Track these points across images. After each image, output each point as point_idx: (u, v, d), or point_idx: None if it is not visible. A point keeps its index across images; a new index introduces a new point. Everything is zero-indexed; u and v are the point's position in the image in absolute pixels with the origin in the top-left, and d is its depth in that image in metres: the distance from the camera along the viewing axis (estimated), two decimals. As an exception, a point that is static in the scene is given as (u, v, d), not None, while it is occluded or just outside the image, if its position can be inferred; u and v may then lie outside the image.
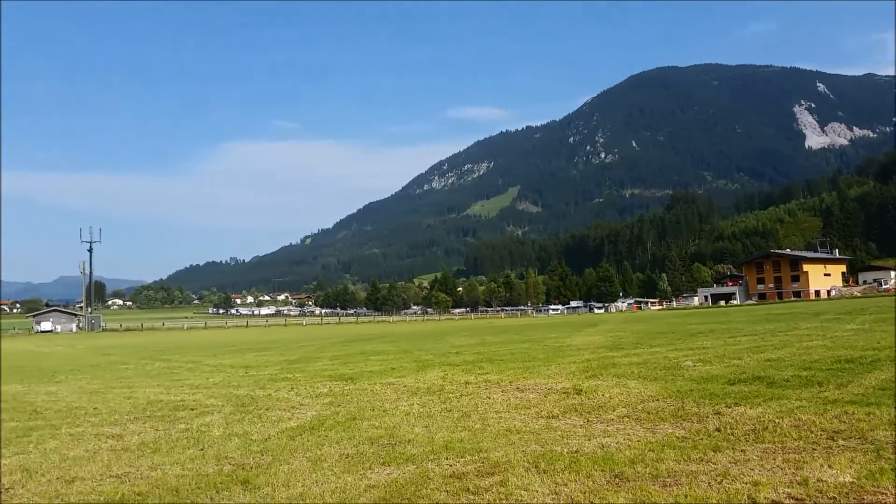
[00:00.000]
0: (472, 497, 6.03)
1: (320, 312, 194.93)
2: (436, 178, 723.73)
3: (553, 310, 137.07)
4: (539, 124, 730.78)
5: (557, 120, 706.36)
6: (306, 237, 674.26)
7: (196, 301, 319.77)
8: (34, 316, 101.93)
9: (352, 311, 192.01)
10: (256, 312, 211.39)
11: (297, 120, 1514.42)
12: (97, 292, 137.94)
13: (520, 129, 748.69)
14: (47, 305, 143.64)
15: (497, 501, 5.91)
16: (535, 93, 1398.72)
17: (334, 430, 9.33)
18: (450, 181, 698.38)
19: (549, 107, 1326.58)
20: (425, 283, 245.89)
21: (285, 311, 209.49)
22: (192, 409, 11.74)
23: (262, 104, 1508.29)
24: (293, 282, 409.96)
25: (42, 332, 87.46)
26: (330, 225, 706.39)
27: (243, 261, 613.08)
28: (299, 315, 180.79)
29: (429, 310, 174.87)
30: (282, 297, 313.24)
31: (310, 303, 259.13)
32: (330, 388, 14.11)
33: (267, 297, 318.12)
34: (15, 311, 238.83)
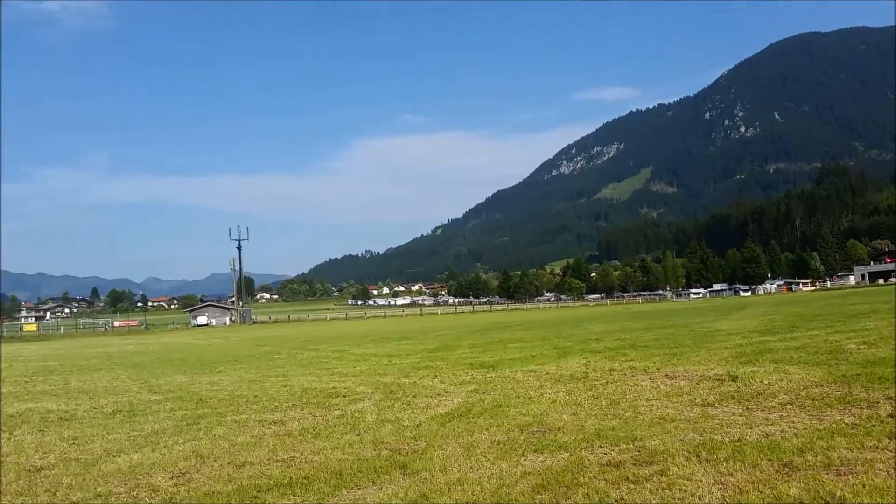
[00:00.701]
0: (632, 486, 5.90)
1: (454, 302, 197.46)
2: (564, 162, 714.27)
3: (695, 293, 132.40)
4: (672, 101, 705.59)
5: (692, 95, 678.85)
6: (437, 228, 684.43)
7: (336, 293, 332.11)
8: (191, 311, 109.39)
9: (484, 300, 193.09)
10: (392, 303, 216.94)
11: (425, 114, 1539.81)
12: (247, 287, 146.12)
13: (651, 107, 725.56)
14: (202, 301, 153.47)
15: (659, 490, 5.75)
16: (667, 69, 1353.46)
17: (482, 417, 9.41)
18: (579, 165, 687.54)
19: (682, 82, 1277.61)
20: (557, 270, 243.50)
21: (420, 301, 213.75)
22: (345, 396, 12.19)
23: (392, 100, 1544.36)
24: (426, 272, 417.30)
25: (198, 325, 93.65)
26: (460, 215, 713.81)
27: (378, 253, 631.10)
28: (433, 305, 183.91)
29: (562, 296, 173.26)
30: (416, 288, 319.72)
31: (443, 292, 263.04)
32: (472, 376, 14.24)
33: (402, 288, 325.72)
34: (173, 307, 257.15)
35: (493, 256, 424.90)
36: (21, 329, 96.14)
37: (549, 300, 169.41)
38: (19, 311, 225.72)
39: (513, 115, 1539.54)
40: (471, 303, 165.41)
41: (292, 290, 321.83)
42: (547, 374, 13.75)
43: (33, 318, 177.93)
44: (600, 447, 7.21)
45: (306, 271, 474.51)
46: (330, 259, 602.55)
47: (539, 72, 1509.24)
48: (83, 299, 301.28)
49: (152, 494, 6.43)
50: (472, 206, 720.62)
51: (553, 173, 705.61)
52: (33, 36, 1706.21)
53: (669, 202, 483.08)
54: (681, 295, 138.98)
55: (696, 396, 9.78)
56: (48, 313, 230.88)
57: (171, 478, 7.03)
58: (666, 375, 12.07)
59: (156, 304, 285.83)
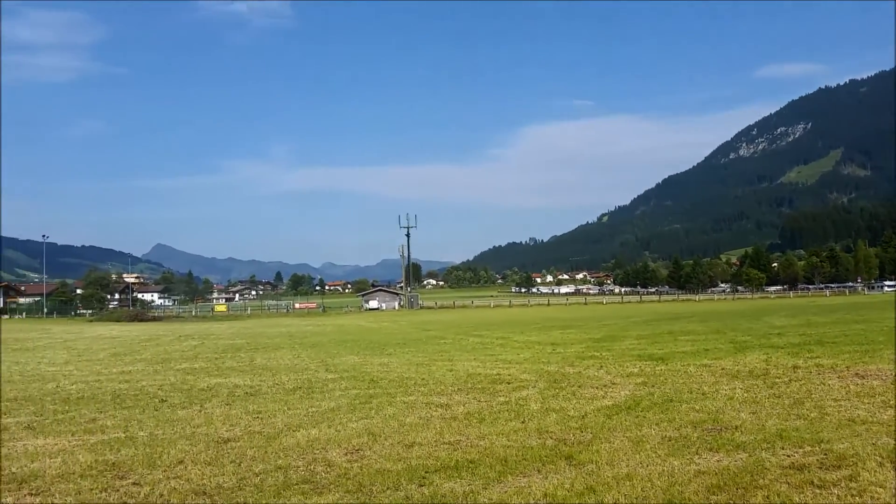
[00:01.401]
0: (817, 490, 5.46)
1: (620, 291, 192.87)
2: (743, 145, 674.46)
3: (889, 286, 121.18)
4: (866, 76, 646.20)
5: (889, 69, 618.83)
6: (603, 215, 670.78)
7: (500, 280, 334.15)
8: (363, 295, 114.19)
9: (653, 290, 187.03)
10: (556, 291, 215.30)
11: (592, 97, 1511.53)
12: (414, 273, 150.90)
13: (842, 83, 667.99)
14: (373, 286, 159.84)
15: (848, 497, 5.28)
16: (861, 40, 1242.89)
17: (651, 411, 9.09)
18: (760, 147, 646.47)
19: (877, 54, 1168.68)
20: (734, 259, 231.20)
21: (584, 290, 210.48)
22: (509, 383, 12.21)
23: (559, 86, 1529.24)
24: (591, 260, 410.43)
25: (370, 309, 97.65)
26: (627, 201, 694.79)
27: (542, 241, 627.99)
28: (598, 294, 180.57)
29: (739, 288, 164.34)
30: (580, 276, 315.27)
31: (608, 281, 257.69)
32: (640, 368, 13.82)
33: (566, 276, 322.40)
34: (347, 290, 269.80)
35: (662, 244, 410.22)
36: (213, 309, 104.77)
37: (723, 291, 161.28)
38: (211, 292, 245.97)
39: (685, 96, 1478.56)
40: (638, 292, 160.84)
41: (457, 276, 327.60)
42: (722, 369, 13.09)
43: (224, 300, 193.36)
44: (782, 448, 6.74)
45: (471, 258, 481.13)
46: (494, 246, 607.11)
47: (715, 48, 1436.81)
48: (268, 282, 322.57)
49: (328, 469, 6.73)
50: (641, 191, 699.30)
51: (731, 156, 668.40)
52: (224, 37, 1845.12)
53: (862, 186, 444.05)
54: (873, 287, 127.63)
55: (891, 398, 8.92)
56: (237, 295, 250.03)
57: (346, 454, 7.33)
58: (856, 374, 11.13)
59: (332, 287, 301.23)
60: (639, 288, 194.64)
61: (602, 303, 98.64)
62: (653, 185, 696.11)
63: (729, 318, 35.39)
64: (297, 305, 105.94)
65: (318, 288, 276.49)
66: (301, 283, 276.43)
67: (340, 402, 10.81)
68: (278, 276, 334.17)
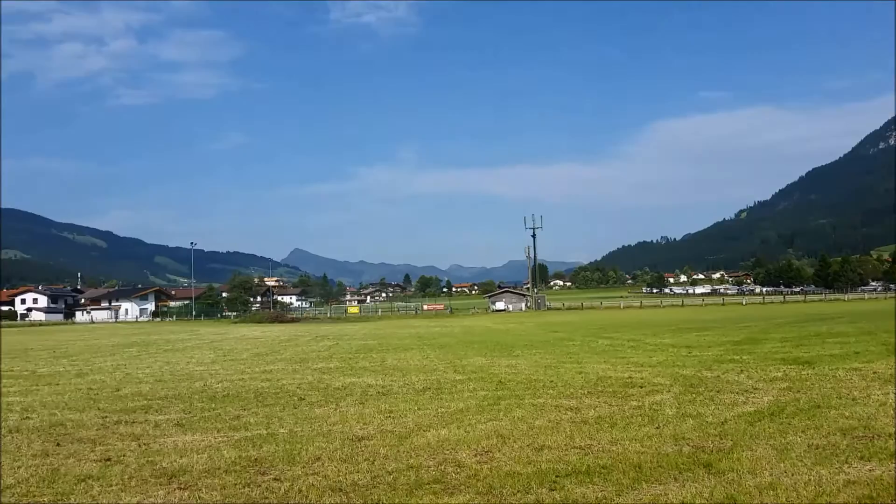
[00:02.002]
0: None
1: (760, 291, 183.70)
2: (893, 133, 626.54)
3: None
4: None
5: None
6: (741, 211, 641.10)
7: (629, 281, 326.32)
8: (490, 297, 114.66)
9: (797, 289, 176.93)
10: (691, 291, 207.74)
11: (725, 89, 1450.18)
12: (541, 274, 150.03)
13: None
14: (499, 287, 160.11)
15: None
16: None
17: (797, 417, 8.58)
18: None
19: None
20: (885, 256, 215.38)
21: (721, 290, 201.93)
22: (642, 387, 11.87)
23: (688, 77, 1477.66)
24: (728, 259, 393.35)
25: (496, 310, 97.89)
26: (768, 196, 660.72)
27: (674, 239, 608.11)
28: (737, 294, 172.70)
29: (891, 286, 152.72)
30: (717, 276, 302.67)
31: (748, 281, 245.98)
32: (784, 372, 13.11)
33: (701, 276, 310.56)
34: (473, 292, 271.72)
35: (807, 241, 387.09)
36: (346, 311, 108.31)
37: (874, 290, 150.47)
38: (344, 295, 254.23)
39: (828, 83, 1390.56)
40: (780, 292, 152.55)
41: (585, 277, 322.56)
42: (874, 372, 12.22)
43: (356, 302, 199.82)
44: (947, 461, 6.17)
45: (599, 258, 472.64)
46: (623, 246, 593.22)
47: (859, 29, 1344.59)
48: (397, 284, 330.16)
49: (458, 470, 6.77)
50: (783, 186, 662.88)
51: (880, 146, 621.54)
52: (355, 48, 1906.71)
53: None
54: None
55: None
56: (368, 297, 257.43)
57: (475, 455, 7.34)
58: None
59: (458, 289, 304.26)
60: (781, 287, 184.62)
61: (741, 303, 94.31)
62: (795, 179, 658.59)
63: (880, 318, 32.96)
64: (425, 307, 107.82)
65: (445, 290, 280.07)
66: (429, 285, 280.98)
67: (469, 403, 10.86)
68: (407, 279, 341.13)
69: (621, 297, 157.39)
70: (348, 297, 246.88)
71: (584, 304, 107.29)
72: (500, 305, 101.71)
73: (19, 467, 7.21)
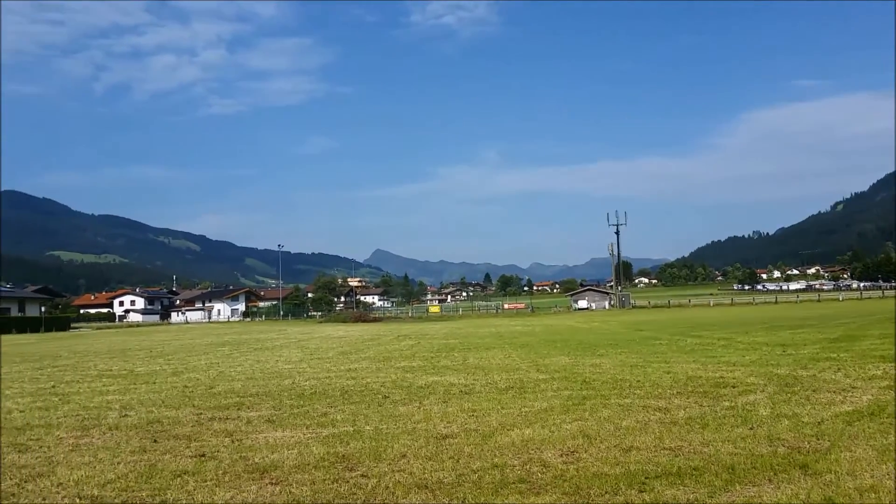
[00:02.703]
0: None
1: (858, 286, 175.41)
2: None
3: None
4: None
5: None
6: (837, 203, 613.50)
7: (719, 277, 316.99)
8: (572, 295, 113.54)
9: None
10: (784, 287, 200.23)
11: (821, 76, 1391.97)
12: (625, 271, 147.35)
13: None
14: (582, 285, 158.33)
15: None
16: None
17: (902, 418, 8.14)
18: None
19: None
20: None
21: (817, 286, 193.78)
22: (734, 387, 11.49)
23: (782, 64, 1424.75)
24: (824, 253, 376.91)
25: (579, 309, 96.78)
26: (865, 187, 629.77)
27: (767, 234, 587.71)
28: (833, 289, 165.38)
29: None
30: (812, 271, 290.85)
31: (845, 276, 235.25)
32: (884, 370, 12.51)
33: (795, 271, 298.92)
34: (555, 290, 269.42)
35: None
36: (427, 310, 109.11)
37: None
38: (425, 294, 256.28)
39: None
40: (880, 287, 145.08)
41: (672, 274, 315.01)
42: None
43: (437, 301, 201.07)
44: None
45: (686, 255, 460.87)
46: (712, 241, 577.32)
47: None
48: (477, 283, 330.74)
49: (543, 469, 6.70)
50: (881, 176, 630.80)
51: None
52: (435, 49, 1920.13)
53: None
54: None
55: None
56: (449, 296, 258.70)
57: (561, 455, 7.26)
58: None
59: (539, 288, 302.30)
60: (880, 282, 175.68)
61: (838, 299, 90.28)
62: (894, 169, 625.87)
63: None
64: (505, 306, 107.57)
65: (525, 288, 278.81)
66: (509, 284, 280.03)
67: (553, 402, 10.75)
68: (487, 278, 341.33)
69: (710, 294, 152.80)
70: (429, 296, 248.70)
71: (670, 301, 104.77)
72: (582, 304, 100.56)
73: (119, 463, 7.53)
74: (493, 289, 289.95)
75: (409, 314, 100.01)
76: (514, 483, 6.28)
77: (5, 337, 58.87)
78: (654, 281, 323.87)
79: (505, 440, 8.04)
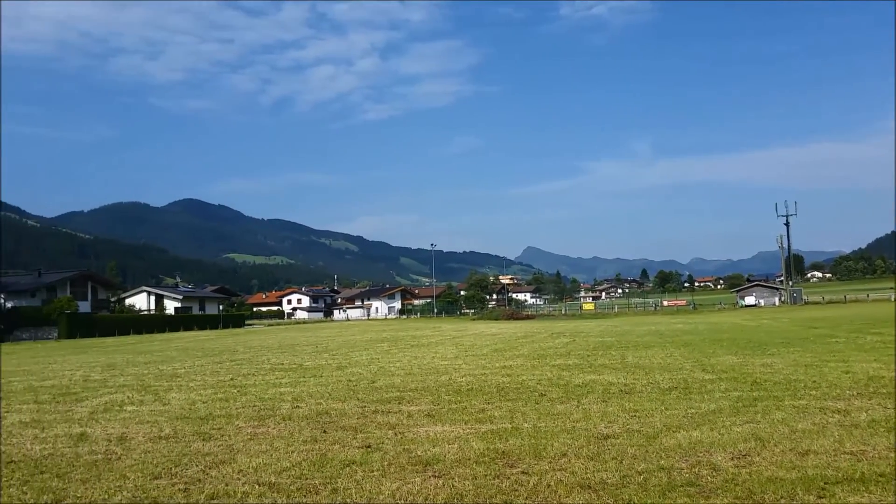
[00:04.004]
0: None
1: None
2: None
3: None
4: None
5: None
6: None
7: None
8: (737, 291, 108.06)
9: None
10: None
11: None
12: (796, 265, 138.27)
13: None
14: (748, 280, 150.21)
15: None
16: None
17: None
18: None
19: None
20: None
21: None
22: (925, 389, 10.50)
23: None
24: None
25: (745, 305, 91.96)
26: None
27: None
28: None
29: None
30: None
31: None
32: None
33: None
34: (718, 286, 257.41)
35: None
36: (580, 307, 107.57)
37: None
38: (578, 291, 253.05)
39: None
40: None
41: (847, 267, 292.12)
42: None
43: (590, 298, 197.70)
44: None
45: (863, 246, 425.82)
46: (893, 231, 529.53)
47: None
48: (633, 280, 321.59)
49: (713, 473, 6.42)
50: None
51: None
52: (585, 41, 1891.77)
53: None
54: None
55: None
56: (603, 293, 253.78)
57: (732, 458, 6.93)
58: None
59: (701, 284, 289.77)
60: None
61: None
62: None
63: None
64: (664, 303, 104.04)
65: (686, 284, 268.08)
66: (668, 280, 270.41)
67: (721, 403, 10.27)
68: (644, 274, 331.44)
69: (892, 288, 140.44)
70: (582, 293, 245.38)
71: (846, 297, 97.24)
72: (749, 300, 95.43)
73: (293, 452, 7.95)
74: (651, 285, 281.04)
75: (563, 311, 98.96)
76: (682, 486, 6.06)
77: (189, 333, 63.99)
78: (827, 275, 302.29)
79: (670, 442, 7.77)
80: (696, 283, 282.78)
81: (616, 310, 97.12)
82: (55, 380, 18.42)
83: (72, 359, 28.63)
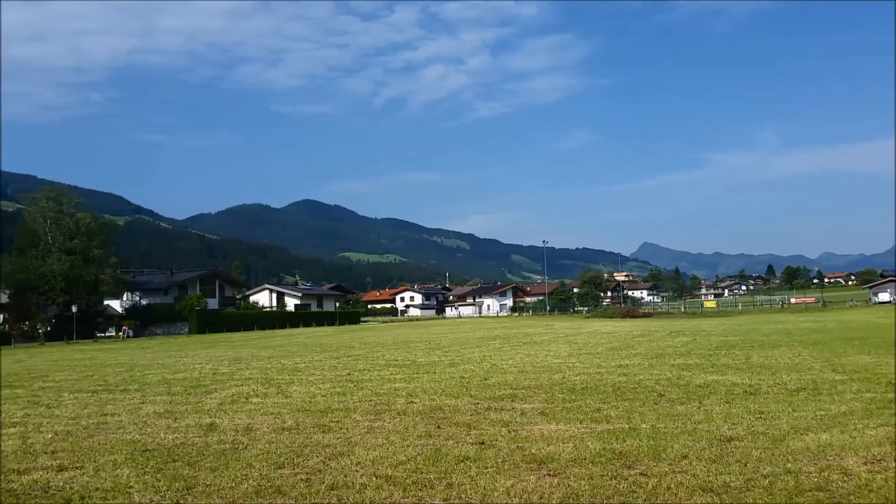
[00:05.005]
0: None
1: None
2: None
3: None
4: None
5: None
6: None
7: None
8: (870, 287, 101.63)
9: None
10: None
11: None
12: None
13: None
14: (882, 276, 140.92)
15: None
16: None
17: None
18: None
19: None
20: None
21: None
22: None
23: None
24: None
25: (880, 302, 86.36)
26: None
27: None
28: None
29: None
30: None
31: None
32: None
33: None
34: (850, 283, 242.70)
35: None
36: (701, 305, 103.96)
37: None
38: (699, 288, 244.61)
39: None
40: None
41: None
42: None
43: (712, 296, 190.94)
44: None
45: None
46: None
47: None
48: (758, 276, 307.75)
49: (844, 478, 6.07)
50: None
51: None
52: (705, 28, 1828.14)
53: None
54: None
55: None
56: (725, 290, 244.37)
57: (864, 463, 6.56)
58: None
59: (832, 280, 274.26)
60: None
61: None
62: None
63: None
64: (792, 300, 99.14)
65: (815, 281, 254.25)
66: (796, 276, 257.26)
67: (853, 405, 9.69)
68: (770, 270, 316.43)
69: None
70: (703, 290, 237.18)
71: None
72: (883, 297, 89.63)
73: (408, 446, 8.08)
74: (777, 282, 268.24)
75: (682, 309, 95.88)
76: (810, 491, 5.77)
77: (308, 329, 66.30)
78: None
79: (798, 445, 7.40)
80: (826, 280, 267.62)
81: (739, 307, 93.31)
82: (186, 373, 19.52)
83: (201, 353, 30.24)
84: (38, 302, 62.93)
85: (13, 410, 12.39)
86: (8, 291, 65.66)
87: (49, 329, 62.20)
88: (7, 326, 62.33)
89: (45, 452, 8.36)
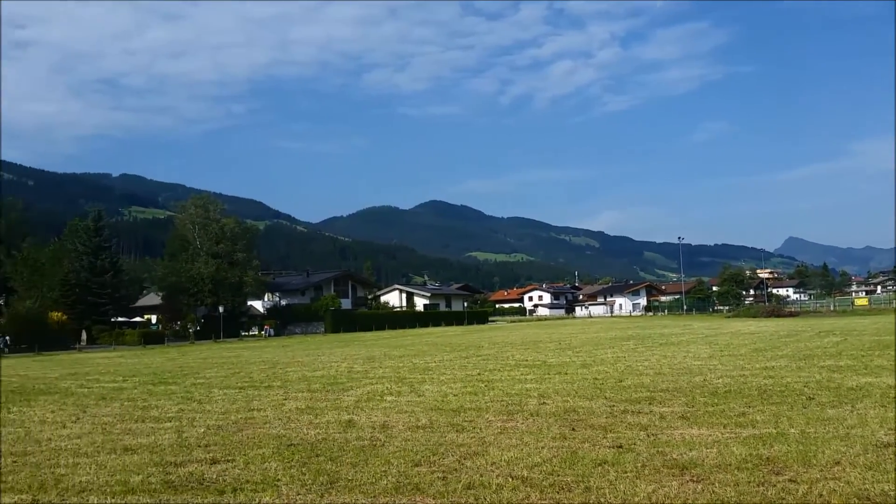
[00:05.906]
0: None
1: None
2: None
3: None
4: None
5: None
6: None
7: None
8: None
9: None
10: None
11: None
12: None
13: None
14: None
15: None
16: None
17: None
18: None
19: None
20: None
21: None
22: None
23: None
24: None
25: None
26: None
27: None
28: None
29: None
30: None
31: None
32: None
33: None
34: None
35: None
36: (852, 303, 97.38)
37: None
38: (849, 285, 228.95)
39: None
40: None
41: None
42: None
43: (863, 293, 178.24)
44: None
45: None
46: None
47: None
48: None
49: None
50: None
51: None
52: (852, 7, 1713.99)
53: None
54: None
55: None
56: (878, 287, 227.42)
57: None
58: None
59: None
60: None
61: None
62: None
63: None
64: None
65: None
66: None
67: None
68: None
69: None
70: (854, 287, 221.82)
71: None
72: None
73: (542, 448, 8.01)
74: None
75: (831, 308, 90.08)
76: None
77: (437, 329, 67.31)
78: None
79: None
80: None
81: (894, 305, 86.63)
82: (324, 370, 20.29)
83: (337, 351, 31.36)
84: (189, 303, 67.41)
85: (168, 406, 13.30)
86: (161, 293, 70.75)
87: (198, 328, 66.46)
88: (161, 326, 67.17)
89: (199, 446, 8.90)
